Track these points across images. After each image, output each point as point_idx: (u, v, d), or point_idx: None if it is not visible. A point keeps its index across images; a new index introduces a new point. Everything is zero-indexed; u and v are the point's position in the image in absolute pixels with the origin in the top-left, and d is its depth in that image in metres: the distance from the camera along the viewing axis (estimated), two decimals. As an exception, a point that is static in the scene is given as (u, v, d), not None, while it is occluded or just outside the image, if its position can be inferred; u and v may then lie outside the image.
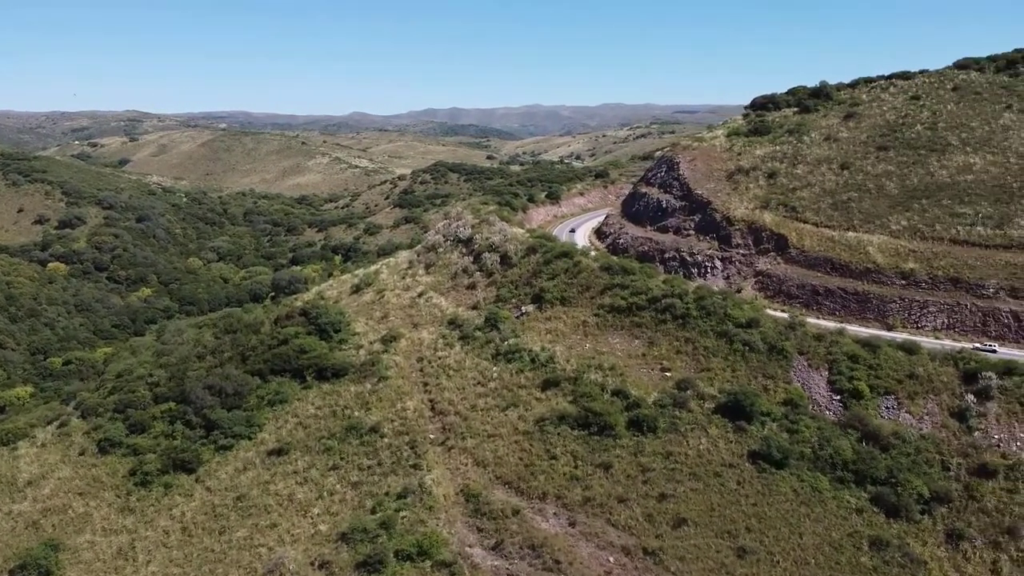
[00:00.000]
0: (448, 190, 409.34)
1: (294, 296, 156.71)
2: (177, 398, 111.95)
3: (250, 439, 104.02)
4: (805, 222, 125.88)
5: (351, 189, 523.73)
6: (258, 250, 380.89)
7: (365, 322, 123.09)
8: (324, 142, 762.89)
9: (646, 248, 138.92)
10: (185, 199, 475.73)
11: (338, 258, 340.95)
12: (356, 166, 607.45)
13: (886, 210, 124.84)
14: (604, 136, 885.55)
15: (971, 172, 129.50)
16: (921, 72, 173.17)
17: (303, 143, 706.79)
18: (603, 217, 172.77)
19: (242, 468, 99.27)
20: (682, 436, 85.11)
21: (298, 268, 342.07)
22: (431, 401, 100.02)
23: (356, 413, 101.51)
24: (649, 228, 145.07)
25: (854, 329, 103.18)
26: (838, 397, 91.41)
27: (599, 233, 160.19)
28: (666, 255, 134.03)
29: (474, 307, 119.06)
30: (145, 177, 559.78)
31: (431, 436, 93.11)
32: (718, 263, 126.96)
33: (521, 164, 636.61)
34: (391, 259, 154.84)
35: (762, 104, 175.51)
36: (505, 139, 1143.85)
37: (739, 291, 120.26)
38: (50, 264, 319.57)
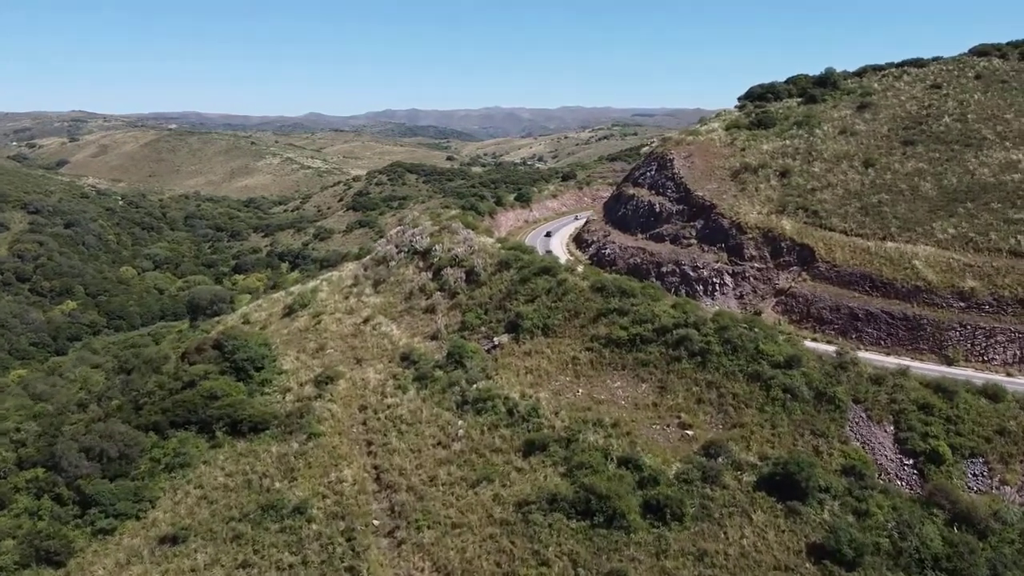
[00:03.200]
0: (406, 192, 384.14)
1: (217, 319, 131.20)
2: (47, 463, 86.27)
3: (138, 519, 79.07)
4: (832, 230, 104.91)
5: (303, 191, 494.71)
6: (198, 257, 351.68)
7: (296, 356, 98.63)
8: (276, 142, 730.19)
9: (638, 260, 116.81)
10: (121, 202, 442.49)
11: (285, 266, 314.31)
12: (309, 167, 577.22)
13: (926, 216, 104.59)
14: (566, 138, 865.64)
15: (1017, 170, 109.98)
16: (935, 60, 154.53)
17: (252, 143, 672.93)
18: (582, 222, 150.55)
19: (125, 561, 74.35)
20: (718, 526, 62.58)
21: (241, 277, 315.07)
22: (376, 468, 76.19)
23: (277, 484, 77.23)
24: (640, 236, 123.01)
25: (910, 365, 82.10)
26: (911, 461, 69.99)
27: (579, 241, 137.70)
28: (663, 269, 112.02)
29: (433, 337, 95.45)
30: (80, 179, 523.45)
31: (375, 522, 69.32)
32: (728, 279, 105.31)
33: (483, 165, 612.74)
34: (334, 273, 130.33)
35: (760, 94, 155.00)
36: (465, 140, 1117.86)
37: (757, 314, 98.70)
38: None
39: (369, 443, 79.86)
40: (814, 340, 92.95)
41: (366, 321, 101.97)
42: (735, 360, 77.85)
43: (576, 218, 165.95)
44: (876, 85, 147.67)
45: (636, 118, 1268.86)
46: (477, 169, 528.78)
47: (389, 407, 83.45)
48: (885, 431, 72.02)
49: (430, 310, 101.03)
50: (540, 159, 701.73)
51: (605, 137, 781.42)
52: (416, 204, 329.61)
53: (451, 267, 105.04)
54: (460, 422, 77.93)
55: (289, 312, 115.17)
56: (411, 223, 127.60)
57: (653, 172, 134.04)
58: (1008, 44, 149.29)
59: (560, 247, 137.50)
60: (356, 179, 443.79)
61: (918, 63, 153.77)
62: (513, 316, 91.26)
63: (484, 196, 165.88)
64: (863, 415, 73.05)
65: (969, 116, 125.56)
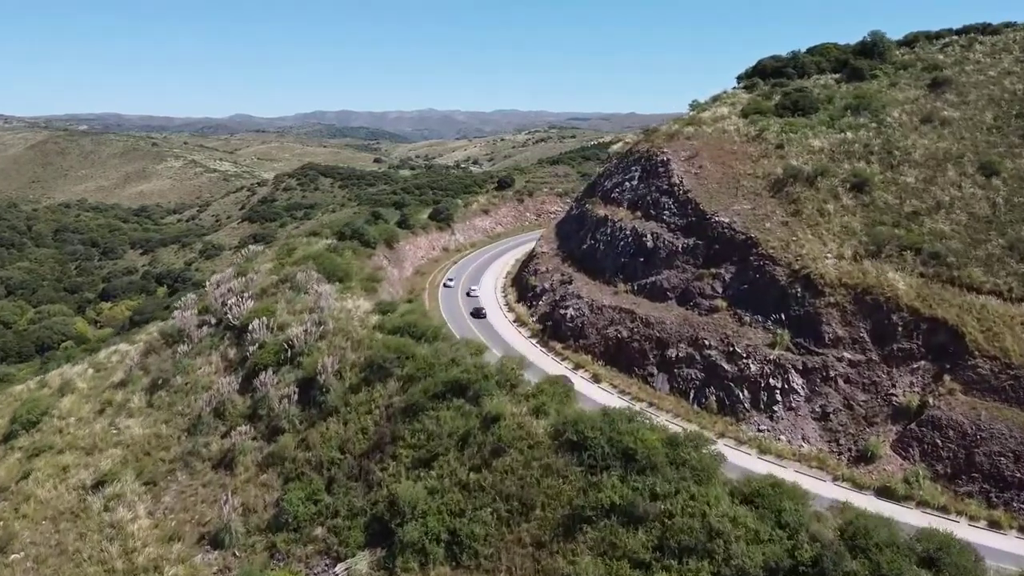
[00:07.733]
0: (317, 198, 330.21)
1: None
2: None
3: None
4: (977, 290, 58.48)
5: (204, 197, 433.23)
6: (61, 281, 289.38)
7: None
8: (184, 143, 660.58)
9: (624, 333, 68.59)
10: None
11: (162, 290, 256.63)
12: (215, 170, 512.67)
13: None
14: (502, 140, 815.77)
15: None
16: (1007, 26, 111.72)
17: (154, 144, 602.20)
18: (525, 253, 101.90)
19: None
20: None
21: (108, 305, 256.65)
22: None
23: None
24: (622, 287, 74.79)
25: None
26: None
27: (522, 287, 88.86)
28: (671, 353, 64.06)
29: (214, 542, 44.96)
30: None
31: None
32: (797, 381, 57.73)
33: (412, 168, 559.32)
34: (120, 347, 78.55)
35: (776, 69, 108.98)
36: (397, 142, 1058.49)
37: (867, 458, 51.67)
38: None
39: None
40: (992, 526, 46.48)
41: (100, 484, 50.65)
42: None
43: (507, 249, 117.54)
44: (941, 57, 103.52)
45: (571, 122, 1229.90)
46: (405, 172, 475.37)
47: None
48: None
49: (225, 464, 50.28)
50: (475, 162, 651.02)
51: (542, 140, 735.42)
52: (325, 213, 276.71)
53: (275, 368, 54.46)
54: None
55: (9, 435, 63.39)
56: (241, 265, 76.57)
57: (635, 183, 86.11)
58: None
59: (494, 298, 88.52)
60: (262, 184, 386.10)
61: (988, 29, 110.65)
62: (384, 504, 41.47)
63: (380, 215, 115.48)
64: None
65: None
